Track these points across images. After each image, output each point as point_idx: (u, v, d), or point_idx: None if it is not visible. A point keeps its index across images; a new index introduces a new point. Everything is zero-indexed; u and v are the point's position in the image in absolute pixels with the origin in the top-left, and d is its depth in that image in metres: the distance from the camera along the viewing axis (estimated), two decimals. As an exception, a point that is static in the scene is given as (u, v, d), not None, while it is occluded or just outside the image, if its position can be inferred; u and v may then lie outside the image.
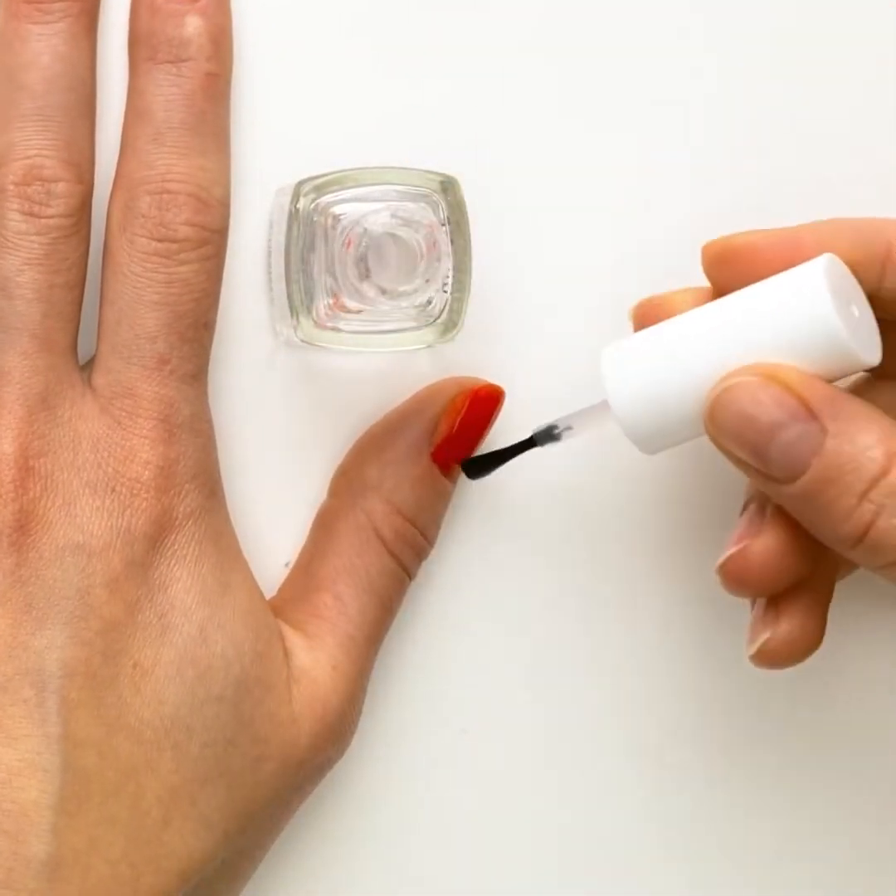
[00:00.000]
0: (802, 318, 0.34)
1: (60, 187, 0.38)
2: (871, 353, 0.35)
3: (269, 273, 0.42)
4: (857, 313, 0.35)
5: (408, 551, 0.41)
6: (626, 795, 0.45)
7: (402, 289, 0.38)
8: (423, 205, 0.38)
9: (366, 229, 0.38)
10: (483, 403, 0.41)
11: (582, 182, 0.43)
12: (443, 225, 0.38)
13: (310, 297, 0.39)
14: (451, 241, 0.38)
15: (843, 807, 0.46)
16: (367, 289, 0.38)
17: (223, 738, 0.38)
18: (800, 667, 0.39)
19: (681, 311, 0.37)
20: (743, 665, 0.39)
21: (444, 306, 0.39)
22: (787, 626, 0.38)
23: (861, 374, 0.38)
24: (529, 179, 0.43)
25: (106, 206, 0.39)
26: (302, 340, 0.39)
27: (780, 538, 0.37)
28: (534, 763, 0.44)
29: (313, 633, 0.40)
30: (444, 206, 0.38)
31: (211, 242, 0.39)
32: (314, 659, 0.40)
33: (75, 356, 0.39)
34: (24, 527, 0.37)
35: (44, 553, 0.37)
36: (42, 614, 0.36)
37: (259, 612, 0.39)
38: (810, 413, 0.34)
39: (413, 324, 0.39)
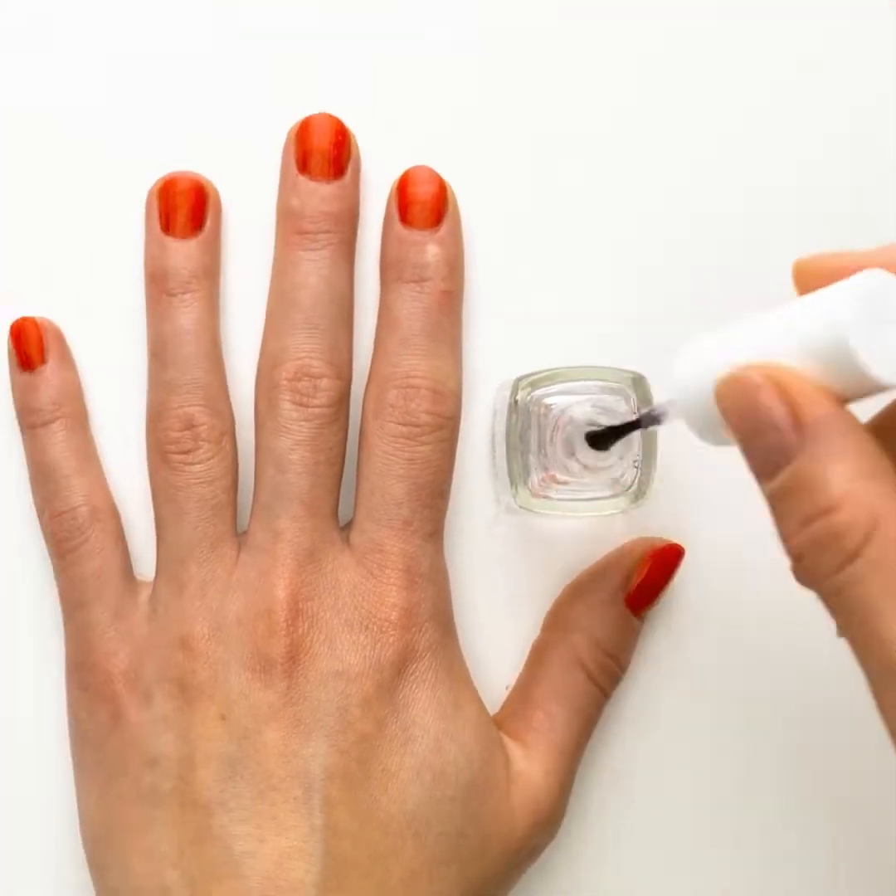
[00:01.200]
0: (819, 325, 0.32)
1: (324, 383, 0.42)
2: (892, 374, 0.32)
3: (493, 451, 0.46)
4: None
5: (605, 677, 0.45)
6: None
7: (600, 465, 0.42)
8: (617, 397, 0.42)
9: (571, 417, 0.42)
10: (667, 560, 0.45)
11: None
12: (634, 413, 0.42)
13: (526, 471, 0.43)
14: None
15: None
16: (573, 465, 0.42)
17: (455, 829, 0.41)
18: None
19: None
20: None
21: (635, 479, 0.43)
22: None
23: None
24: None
25: (360, 398, 0.44)
26: (520, 507, 0.43)
27: None
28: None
29: (529, 744, 0.44)
30: (634, 397, 0.42)
31: (446, 427, 0.43)
32: (529, 764, 0.44)
33: (336, 519, 0.43)
34: (294, 657, 0.41)
35: (310, 678, 0.41)
36: (309, 728, 0.40)
37: (484, 726, 0.43)
38: (797, 424, 0.32)
39: (609, 493, 0.43)
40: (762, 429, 0.33)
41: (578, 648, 0.45)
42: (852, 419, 0.33)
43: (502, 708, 0.46)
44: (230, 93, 0.45)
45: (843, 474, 0.31)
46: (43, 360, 0.44)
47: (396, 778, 0.41)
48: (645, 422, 0.40)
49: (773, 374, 0.33)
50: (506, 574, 0.47)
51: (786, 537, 0.33)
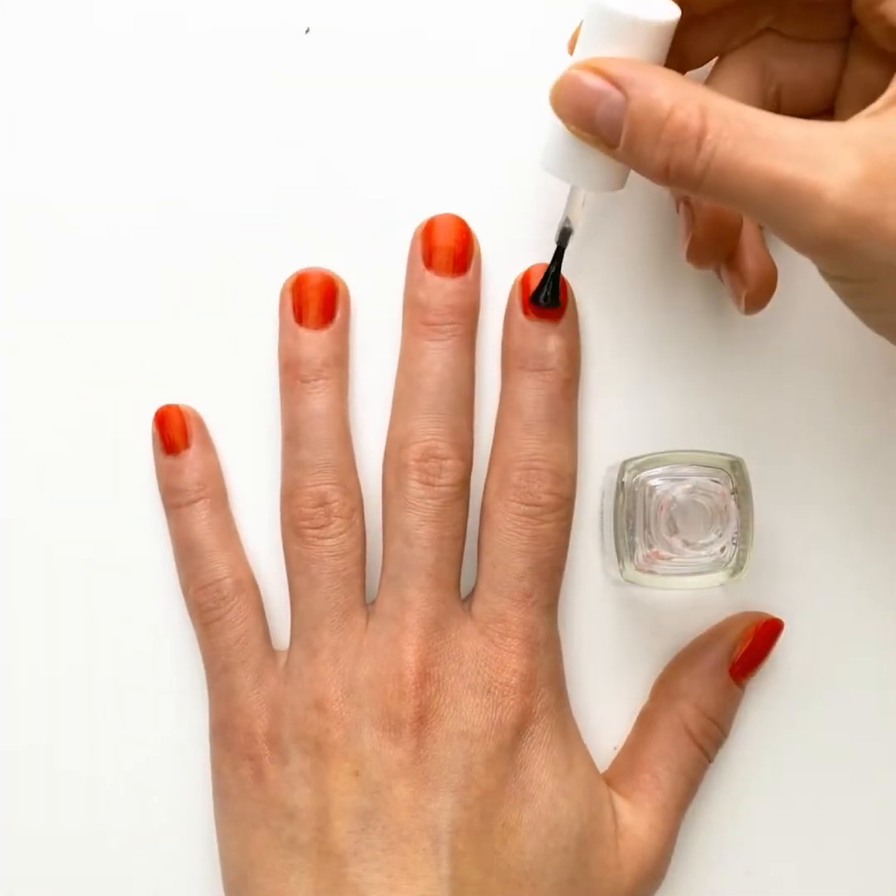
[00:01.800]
0: (588, 14, 0.40)
1: (449, 463, 0.45)
2: (662, 12, 0.39)
3: (601, 529, 0.48)
4: None
5: (709, 742, 0.47)
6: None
7: (701, 542, 0.45)
8: (716, 479, 0.45)
9: (674, 498, 0.45)
10: (768, 633, 0.47)
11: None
12: (732, 494, 0.44)
13: (632, 547, 0.45)
14: (738, 506, 0.45)
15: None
16: (675, 542, 0.45)
17: (567, 878, 0.44)
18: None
19: None
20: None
21: (733, 554, 0.45)
22: (752, 267, 0.43)
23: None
24: (811, 463, 0.48)
25: (478, 478, 0.46)
26: (626, 580, 0.45)
27: (708, 212, 0.42)
28: None
29: (636, 801, 0.46)
30: (732, 479, 0.45)
31: (564, 507, 0.46)
32: (636, 820, 0.46)
33: (459, 590, 0.46)
34: (422, 718, 0.43)
35: (437, 738, 0.43)
36: (436, 784, 0.43)
37: (594, 784, 0.45)
38: (618, 85, 0.38)
39: (710, 568, 0.45)
40: (594, 102, 0.38)
41: (684, 715, 0.47)
42: (655, 65, 0.39)
43: (611, 767, 0.48)
44: (355, 194, 0.48)
45: (665, 91, 0.37)
46: (187, 445, 0.47)
47: (515, 832, 0.43)
48: (561, 241, 0.45)
49: (584, 64, 0.39)
50: (615, 643, 0.49)
51: (650, 167, 0.38)
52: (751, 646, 0.47)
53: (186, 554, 0.47)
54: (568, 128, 0.40)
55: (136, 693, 0.49)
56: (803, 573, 0.49)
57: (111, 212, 0.48)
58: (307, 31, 0.48)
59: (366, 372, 0.48)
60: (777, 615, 0.48)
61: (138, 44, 0.48)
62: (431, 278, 0.46)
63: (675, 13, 0.40)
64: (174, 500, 0.47)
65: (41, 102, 0.48)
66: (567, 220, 0.45)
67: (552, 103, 0.40)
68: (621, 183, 0.43)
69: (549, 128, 0.41)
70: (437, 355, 0.46)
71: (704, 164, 0.36)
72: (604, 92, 0.38)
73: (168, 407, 0.48)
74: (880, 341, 0.40)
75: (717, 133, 0.36)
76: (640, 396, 0.48)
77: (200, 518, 0.47)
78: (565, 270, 0.46)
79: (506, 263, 0.48)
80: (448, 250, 0.46)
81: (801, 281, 0.47)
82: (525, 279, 0.47)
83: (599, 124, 0.38)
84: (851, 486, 0.49)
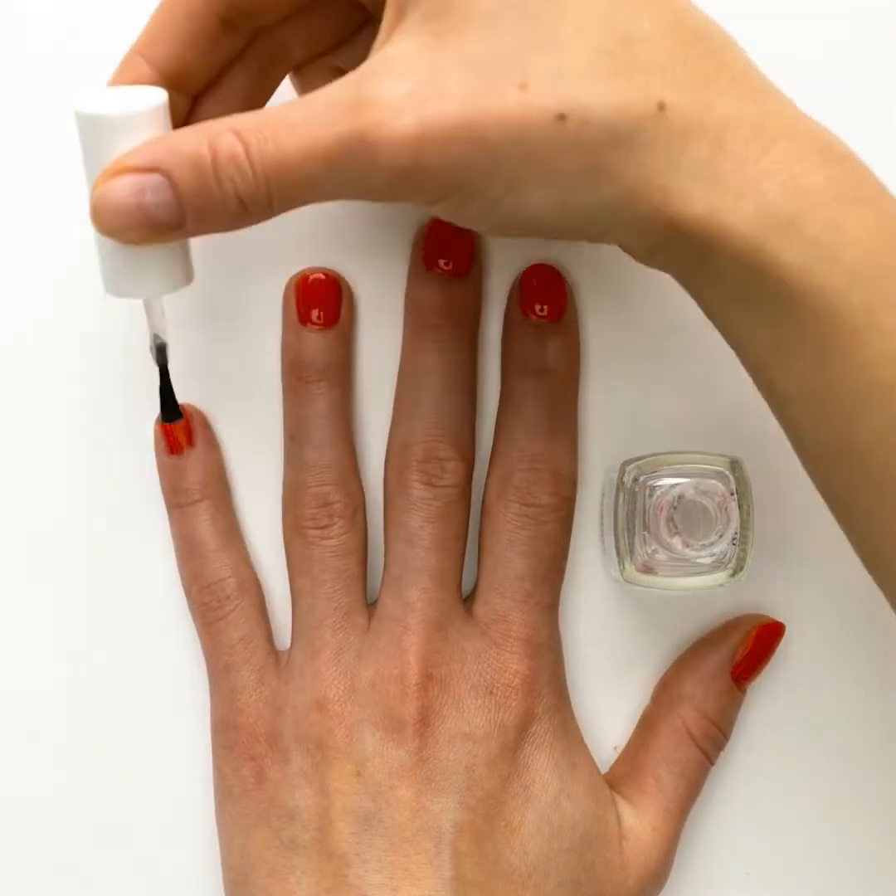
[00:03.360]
0: (86, 126, 0.37)
1: (451, 465, 0.45)
2: (150, 98, 0.38)
3: (602, 529, 0.48)
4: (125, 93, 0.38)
5: (710, 745, 0.47)
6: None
7: (701, 543, 0.45)
8: (717, 480, 0.45)
9: (674, 499, 0.45)
10: (769, 636, 0.47)
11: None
12: (732, 494, 0.45)
13: (631, 548, 0.45)
14: (738, 507, 0.45)
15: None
16: (676, 542, 0.45)
17: (571, 879, 0.44)
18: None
19: None
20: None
21: (733, 555, 0.45)
22: None
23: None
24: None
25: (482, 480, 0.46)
26: (626, 580, 0.45)
27: None
28: None
29: (638, 804, 0.46)
30: (732, 480, 0.45)
31: (564, 507, 0.46)
32: (639, 822, 0.46)
33: (460, 591, 0.46)
34: (425, 719, 0.43)
35: (440, 739, 0.43)
36: (439, 786, 0.43)
37: (598, 785, 0.46)
38: (147, 170, 0.35)
39: (709, 568, 0.45)
40: (139, 199, 0.36)
41: (687, 719, 0.47)
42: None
43: (613, 768, 0.48)
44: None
45: (194, 138, 0.36)
46: (191, 444, 0.47)
47: (518, 832, 0.44)
48: (159, 359, 0.42)
49: (106, 173, 0.36)
50: (614, 644, 0.49)
51: (227, 216, 0.36)
52: (752, 649, 0.47)
53: (189, 553, 0.47)
54: (128, 240, 0.37)
55: (139, 692, 0.49)
56: (803, 573, 0.49)
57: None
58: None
59: (370, 372, 0.48)
60: (778, 616, 0.48)
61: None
62: (433, 279, 0.46)
63: (162, 96, 0.38)
64: (177, 500, 0.47)
65: (40, 103, 0.48)
66: (155, 336, 0.42)
67: (99, 226, 0.37)
68: (190, 275, 0.41)
69: (101, 253, 0.39)
70: (439, 356, 0.46)
71: (264, 177, 0.35)
72: (142, 183, 0.36)
73: None
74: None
75: (258, 142, 0.35)
76: (640, 397, 0.49)
77: (204, 518, 0.47)
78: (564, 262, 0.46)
79: (510, 262, 0.48)
80: (449, 250, 0.46)
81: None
82: (525, 277, 0.47)
83: (157, 215, 0.36)
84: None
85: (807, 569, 0.49)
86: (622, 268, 0.48)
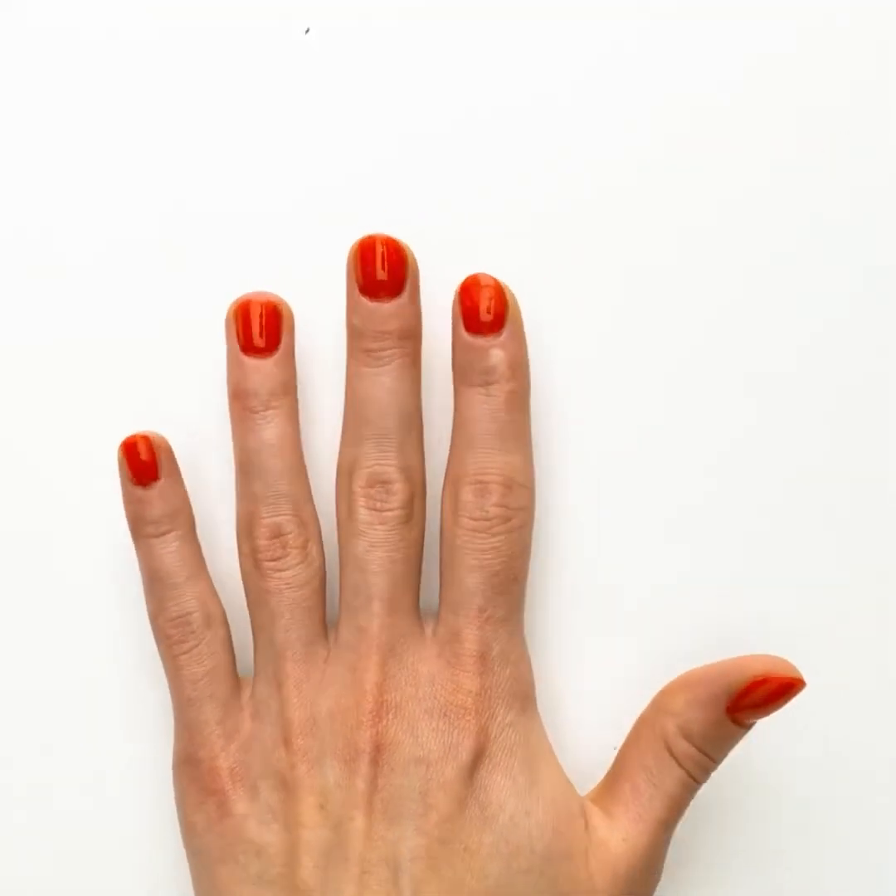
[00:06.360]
0: None
1: (396, 487, 0.45)
2: None
3: None
4: None
5: (693, 766, 0.44)
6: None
7: None
8: None
9: None
10: (781, 688, 0.43)
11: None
12: None
13: None
14: None
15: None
16: None
17: None
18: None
19: None
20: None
21: None
22: None
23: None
24: (812, 462, 0.48)
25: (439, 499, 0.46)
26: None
27: None
28: None
29: (612, 813, 0.45)
30: None
31: (515, 517, 0.45)
32: (610, 833, 0.44)
33: (417, 613, 0.45)
34: (379, 746, 0.43)
35: (395, 766, 0.43)
36: (395, 813, 0.43)
37: (561, 799, 0.44)
38: None
39: None
40: None
41: (667, 733, 0.45)
42: None
43: (604, 777, 0.47)
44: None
45: None
46: (156, 477, 0.47)
47: (477, 855, 0.43)
48: None
49: None
50: (612, 644, 0.49)
51: None
52: (753, 695, 0.44)
53: (155, 584, 0.47)
54: None
55: (131, 702, 0.50)
56: (804, 574, 0.48)
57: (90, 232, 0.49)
58: (307, 31, 0.48)
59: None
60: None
61: (137, 43, 0.49)
62: (365, 304, 0.46)
63: None
64: (143, 531, 0.47)
65: (37, 104, 0.49)
66: None
67: None
68: None
69: None
70: (377, 380, 0.46)
71: None
72: None
73: (136, 436, 0.47)
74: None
75: None
76: (620, 401, 0.49)
77: (171, 549, 0.47)
78: (503, 270, 0.46)
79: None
80: (379, 273, 0.45)
81: (800, 281, 0.46)
82: (463, 292, 0.46)
83: None
84: (852, 486, 0.48)
85: (807, 568, 0.48)
86: (602, 273, 0.48)
